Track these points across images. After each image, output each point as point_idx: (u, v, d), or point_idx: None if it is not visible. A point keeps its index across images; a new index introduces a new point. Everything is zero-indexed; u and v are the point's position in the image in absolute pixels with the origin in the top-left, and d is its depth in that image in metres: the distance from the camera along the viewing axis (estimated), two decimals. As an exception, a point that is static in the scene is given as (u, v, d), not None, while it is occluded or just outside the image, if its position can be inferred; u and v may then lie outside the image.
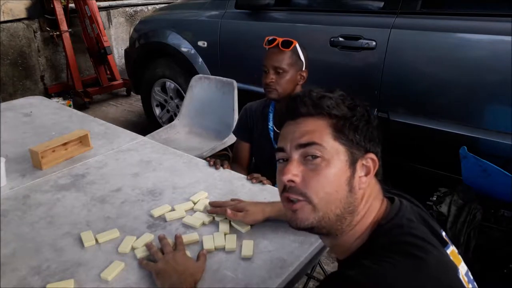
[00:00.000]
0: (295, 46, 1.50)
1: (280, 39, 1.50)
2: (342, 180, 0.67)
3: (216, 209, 1.16)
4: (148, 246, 1.02)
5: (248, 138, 1.71)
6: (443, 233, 0.73)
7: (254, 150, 1.72)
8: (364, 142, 0.69)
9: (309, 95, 0.72)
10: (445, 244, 0.69)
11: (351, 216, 0.68)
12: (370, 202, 0.70)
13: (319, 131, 0.68)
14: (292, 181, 0.68)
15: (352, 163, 0.68)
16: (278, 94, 1.52)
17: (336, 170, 0.66)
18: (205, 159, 1.54)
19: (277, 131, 1.61)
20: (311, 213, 0.67)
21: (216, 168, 1.47)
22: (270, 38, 1.53)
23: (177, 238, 1.04)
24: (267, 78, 1.51)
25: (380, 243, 0.66)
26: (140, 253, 1.02)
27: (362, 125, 0.69)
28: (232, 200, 1.21)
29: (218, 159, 1.52)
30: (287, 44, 1.49)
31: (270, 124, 1.61)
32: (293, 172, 0.67)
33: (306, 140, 0.68)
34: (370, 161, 0.69)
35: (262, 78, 1.55)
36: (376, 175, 0.71)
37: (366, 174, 0.69)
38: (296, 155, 0.69)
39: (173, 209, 1.19)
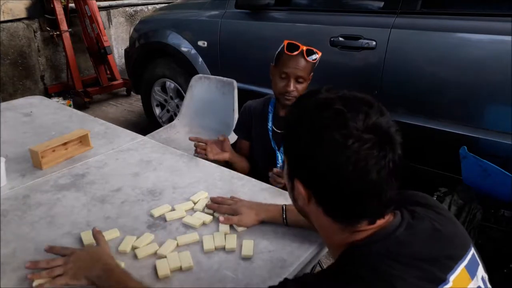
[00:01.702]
0: (318, 57, 1.49)
1: (304, 47, 1.45)
2: (288, 187, 0.72)
3: (214, 206, 1.18)
4: (31, 266, 0.94)
5: (248, 136, 1.72)
6: (457, 267, 0.65)
7: (254, 149, 1.72)
8: (293, 164, 0.65)
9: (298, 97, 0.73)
10: (445, 276, 0.62)
11: (309, 220, 0.73)
12: (329, 233, 0.68)
13: None
14: None
15: (290, 179, 0.69)
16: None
17: (285, 176, 0.72)
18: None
19: (276, 131, 1.61)
20: None
21: (198, 152, 1.52)
22: (291, 43, 1.47)
23: (52, 249, 0.98)
24: (288, 87, 1.47)
25: (344, 263, 0.64)
26: (140, 252, 1.01)
27: (295, 146, 0.63)
28: (232, 198, 1.21)
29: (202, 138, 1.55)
30: (313, 54, 1.47)
31: (270, 124, 1.62)
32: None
33: None
34: (299, 190, 0.65)
35: (275, 81, 1.52)
36: (329, 213, 0.64)
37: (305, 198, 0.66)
38: None
39: (173, 209, 1.19)
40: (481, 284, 0.68)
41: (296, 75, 1.47)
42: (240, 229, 1.10)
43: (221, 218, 1.11)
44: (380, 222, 0.65)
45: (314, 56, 1.48)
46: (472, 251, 0.69)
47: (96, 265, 0.90)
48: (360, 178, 0.58)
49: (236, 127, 1.78)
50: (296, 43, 1.47)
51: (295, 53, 1.46)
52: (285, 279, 0.67)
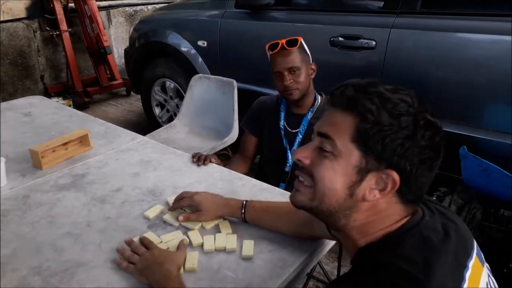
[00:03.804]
0: (301, 42, 1.50)
1: (282, 41, 1.48)
2: (342, 182, 0.65)
3: (177, 205, 1.15)
4: (120, 250, 1.01)
5: (257, 132, 1.70)
6: (472, 254, 0.67)
7: (264, 146, 1.72)
8: (390, 155, 0.62)
9: (352, 86, 0.66)
10: (466, 263, 0.65)
11: (346, 219, 0.67)
12: (378, 218, 0.66)
13: (341, 127, 0.65)
14: (300, 160, 0.70)
15: (362, 171, 0.64)
16: (300, 93, 1.53)
17: (339, 169, 0.65)
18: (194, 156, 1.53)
19: (289, 129, 1.61)
20: (308, 198, 0.69)
21: (198, 165, 1.47)
22: (272, 43, 1.51)
23: (142, 239, 1.03)
24: (285, 81, 1.50)
25: (379, 257, 0.64)
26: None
27: (396, 138, 0.61)
28: (186, 193, 1.17)
29: (204, 154, 1.51)
30: (293, 42, 1.49)
31: (282, 123, 1.62)
32: (303, 154, 0.69)
33: (325, 131, 0.67)
34: (389, 178, 0.63)
35: (276, 84, 1.55)
36: (402, 194, 0.65)
37: (382, 190, 0.64)
38: (316, 141, 0.69)
39: (162, 212, 1.19)
40: (489, 272, 0.71)
41: (286, 68, 1.49)
42: (196, 227, 1.10)
43: (180, 217, 1.11)
44: (411, 211, 0.68)
45: (296, 43, 1.49)
46: (475, 241, 0.72)
47: (157, 269, 0.90)
48: (438, 157, 0.66)
49: (245, 120, 1.75)
50: (276, 41, 1.50)
51: (277, 49, 1.49)
52: None
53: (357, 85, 0.66)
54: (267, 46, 1.53)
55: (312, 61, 1.58)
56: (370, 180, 0.64)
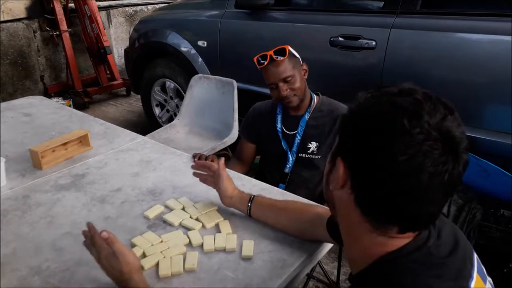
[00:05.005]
0: (289, 50, 1.49)
1: (270, 52, 1.47)
2: (328, 165, 0.68)
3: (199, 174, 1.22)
4: (84, 233, 0.92)
5: (255, 139, 1.70)
6: (473, 274, 0.63)
7: (263, 149, 1.71)
8: (346, 144, 0.61)
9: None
10: (468, 285, 0.61)
11: (334, 211, 0.69)
12: (353, 232, 0.64)
13: None
14: None
15: (333, 158, 0.65)
16: (298, 98, 1.52)
17: (331, 153, 0.68)
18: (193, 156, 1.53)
19: (286, 132, 1.61)
20: None
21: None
22: (258, 57, 1.50)
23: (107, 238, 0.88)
24: (282, 92, 1.49)
25: (378, 276, 0.60)
26: (138, 251, 1.01)
27: (360, 125, 0.58)
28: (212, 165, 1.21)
29: (204, 154, 1.51)
30: (281, 52, 1.47)
31: (279, 125, 1.61)
32: None
33: None
34: (339, 170, 0.60)
35: (272, 94, 1.54)
36: (361, 206, 0.60)
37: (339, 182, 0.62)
38: None
39: (162, 212, 1.19)
40: (491, 286, 0.68)
41: (279, 79, 1.48)
42: (209, 225, 1.11)
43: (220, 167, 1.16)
44: (393, 242, 0.61)
45: (284, 53, 1.47)
46: (475, 254, 0.69)
47: (111, 271, 0.85)
48: (410, 173, 0.52)
49: (242, 128, 1.76)
50: (264, 53, 1.49)
51: (266, 63, 1.48)
52: None
53: (371, 89, 0.64)
54: (255, 59, 1.52)
55: (302, 62, 1.56)
56: (337, 167, 0.61)
